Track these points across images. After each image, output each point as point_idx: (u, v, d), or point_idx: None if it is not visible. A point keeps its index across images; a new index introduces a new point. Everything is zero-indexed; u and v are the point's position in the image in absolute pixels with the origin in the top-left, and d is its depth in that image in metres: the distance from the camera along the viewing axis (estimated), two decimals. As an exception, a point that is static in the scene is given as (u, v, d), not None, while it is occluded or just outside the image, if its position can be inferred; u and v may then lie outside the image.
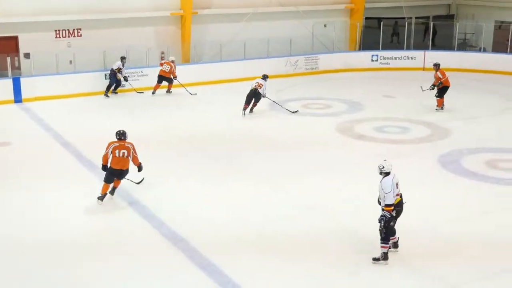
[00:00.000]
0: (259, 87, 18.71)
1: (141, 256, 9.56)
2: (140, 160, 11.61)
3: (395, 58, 26.22)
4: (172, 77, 21.37)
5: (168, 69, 21.25)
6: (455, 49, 27.19)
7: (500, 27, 27.85)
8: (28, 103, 19.95)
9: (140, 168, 11.68)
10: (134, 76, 22.04)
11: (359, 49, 27.49)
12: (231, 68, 23.88)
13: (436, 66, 18.89)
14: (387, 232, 9.16)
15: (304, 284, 8.82)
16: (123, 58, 21.00)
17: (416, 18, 28.49)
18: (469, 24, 28.91)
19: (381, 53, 26.39)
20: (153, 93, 21.50)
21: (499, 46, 27.13)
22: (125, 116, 18.35)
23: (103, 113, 19.00)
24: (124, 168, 11.46)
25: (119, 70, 20.82)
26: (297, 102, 20.21)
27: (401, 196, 9.34)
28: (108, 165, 11.41)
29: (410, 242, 9.92)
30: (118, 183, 11.70)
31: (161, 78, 21.40)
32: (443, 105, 18.89)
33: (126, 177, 11.65)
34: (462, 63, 25.51)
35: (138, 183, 12.10)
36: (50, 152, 15.08)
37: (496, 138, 16.07)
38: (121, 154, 11.30)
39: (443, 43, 27.80)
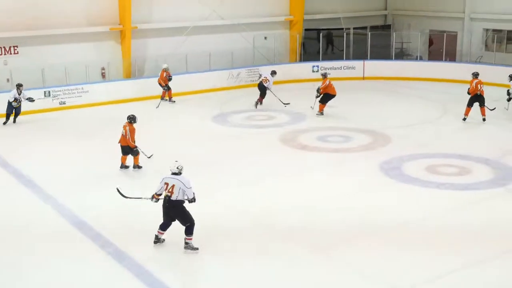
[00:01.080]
0: (264, 82, 21.07)
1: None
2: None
3: (335, 68, 26.65)
4: (161, 84, 21.84)
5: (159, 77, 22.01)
6: (393, 58, 27.88)
7: (433, 36, 28.73)
8: (-37, 122, 19.44)
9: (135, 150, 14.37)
10: (75, 93, 21.74)
11: (300, 61, 27.83)
12: (173, 82, 23.73)
13: (323, 75, 20.57)
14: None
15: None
16: (19, 86, 19.47)
17: (354, 28, 29.07)
18: (405, 34, 29.69)
19: (322, 63, 26.79)
20: (170, 100, 22.37)
21: (435, 55, 28.00)
22: (64, 136, 18.11)
23: (46, 131, 18.76)
24: (124, 145, 14.34)
25: (16, 100, 19.27)
26: (241, 115, 20.34)
27: (167, 201, 9.97)
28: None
29: (355, 246, 10.18)
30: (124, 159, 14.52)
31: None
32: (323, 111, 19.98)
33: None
34: (400, 72, 26.16)
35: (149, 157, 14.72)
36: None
37: (434, 144, 16.51)
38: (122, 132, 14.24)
39: (381, 52, 28.45)
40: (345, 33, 28.16)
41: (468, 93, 18.90)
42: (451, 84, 24.68)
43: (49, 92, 21.36)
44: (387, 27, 30.80)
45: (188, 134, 18.19)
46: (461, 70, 25.30)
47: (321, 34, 27.83)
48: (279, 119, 19.71)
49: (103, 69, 23.68)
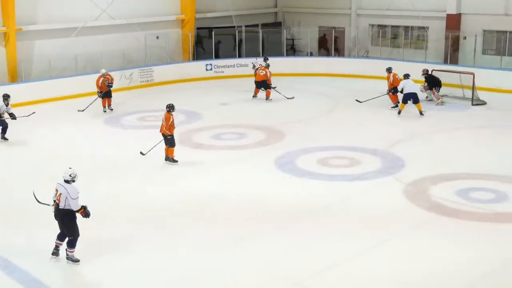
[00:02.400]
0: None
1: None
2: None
3: (228, 66, 26.80)
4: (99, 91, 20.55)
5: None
6: (285, 54, 28.38)
7: (324, 33, 29.49)
8: None
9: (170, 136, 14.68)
10: (-44, 99, 20.57)
11: (193, 59, 27.77)
12: (63, 85, 23.08)
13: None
14: None
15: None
16: (7, 97, 17.39)
17: (246, 26, 29.34)
18: (296, 31, 30.33)
19: (215, 62, 26.85)
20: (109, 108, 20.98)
21: (324, 50, 28.81)
22: None
23: None
24: (161, 132, 14.75)
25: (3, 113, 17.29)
26: (134, 116, 20.02)
27: (55, 208, 9.64)
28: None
29: (257, 239, 10.34)
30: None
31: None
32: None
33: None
34: (292, 68, 26.67)
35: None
36: None
37: (326, 137, 16.96)
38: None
39: (273, 49, 28.87)
40: (237, 31, 28.36)
41: (389, 90, 19.94)
42: (341, 79, 25.46)
43: None
44: (278, 24, 31.31)
45: (79, 137, 17.70)
46: (349, 65, 26.22)
47: (213, 33, 27.88)
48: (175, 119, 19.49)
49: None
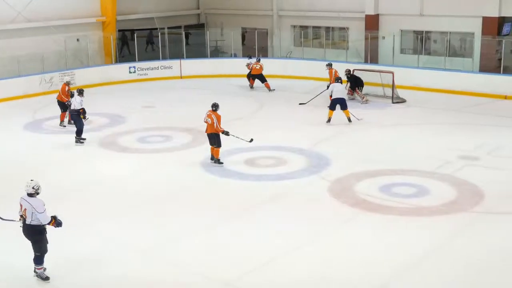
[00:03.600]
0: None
1: None
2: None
3: (152, 69, 26.55)
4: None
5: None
6: (209, 56, 28.36)
7: (245, 33, 29.66)
8: None
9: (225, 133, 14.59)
10: None
11: (116, 62, 27.33)
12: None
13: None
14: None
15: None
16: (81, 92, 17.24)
17: (169, 28, 29.15)
18: (219, 32, 30.37)
19: (138, 64, 26.55)
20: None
21: (248, 51, 28.93)
22: None
23: None
24: (208, 132, 14.47)
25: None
26: (56, 120, 19.45)
27: (23, 223, 8.99)
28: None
29: (180, 244, 10.24)
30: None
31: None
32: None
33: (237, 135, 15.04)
34: (216, 69, 26.69)
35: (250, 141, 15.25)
36: None
37: (252, 137, 16.99)
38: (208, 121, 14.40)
39: (197, 51, 28.82)
40: (159, 33, 28.13)
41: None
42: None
43: None
44: (201, 26, 31.26)
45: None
46: (273, 65, 26.44)
47: (135, 35, 27.55)
48: (97, 123, 19.18)
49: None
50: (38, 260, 9.11)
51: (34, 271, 9.21)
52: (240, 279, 9.18)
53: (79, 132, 16.86)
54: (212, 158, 14.75)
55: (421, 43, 24.91)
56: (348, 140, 16.76)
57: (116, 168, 14.92)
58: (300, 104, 20.91)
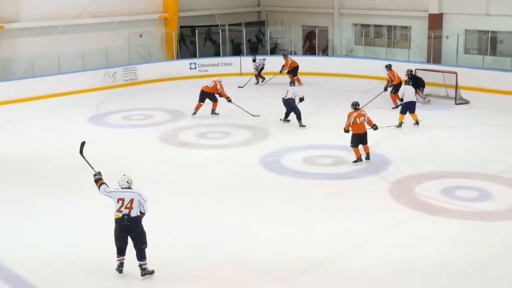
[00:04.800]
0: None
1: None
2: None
3: (212, 65, 26.74)
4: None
5: None
6: (268, 53, 28.39)
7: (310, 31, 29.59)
8: None
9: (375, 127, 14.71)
10: None
11: (177, 58, 27.67)
12: (45, 84, 22.91)
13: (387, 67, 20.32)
14: (115, 245, 9.05)
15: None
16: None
17: (229, 25, 29.32)
18: (279, 30, 30.36)
19: (199, 60, 26.79)
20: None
21: (308, 49, 28.89)
22: None
23: None
24: (364, 132, 14.13)
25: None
26: (118, 114, 19.91)
27: (127, 220, 8.83)
28: (350, 132, 14.24)
29: (241, 239, 10.31)
30: (367, 148, 14.31)
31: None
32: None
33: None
34: (276, 67, 26.62)
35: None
36: None
37: (311, 136, 16.99)
38: (359, 121, 14.04)
39: (256, 48, 28.88)
40: (220, 30, 28.33)
41: (388, 87, 19.91)
42: (325, 78, 25.49)
43: None
44: (261, 23, 31.32)
45: (65, 137, 17.57)
46: (333, 64, 26.29)
47: (197, 31, 27.83)
48: (158, 118, 19.50)
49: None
50: (144, 254, 9.00)
51: (142, 269, 9.04)
52: (298, 277, 9.17)
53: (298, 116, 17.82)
54: (367, 157, 14.47)
55: (486, 43, 24.27)
56: (409, 141, 16.49)
57: (176, 163, 15.09)
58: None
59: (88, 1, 25.42)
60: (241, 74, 26.60)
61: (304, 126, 17.68)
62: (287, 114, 18.10)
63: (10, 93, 21.92)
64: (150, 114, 19.94)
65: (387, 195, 12.52)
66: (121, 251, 9.08)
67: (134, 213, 8.85)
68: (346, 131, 14.49)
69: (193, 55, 27.61)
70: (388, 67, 20.31)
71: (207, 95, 19.29)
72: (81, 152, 9.78)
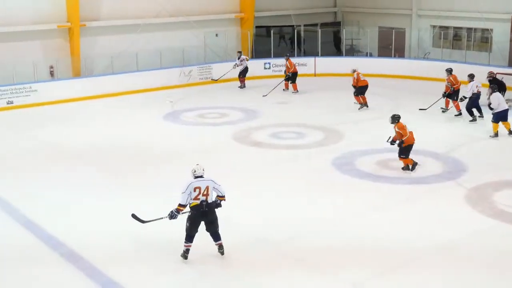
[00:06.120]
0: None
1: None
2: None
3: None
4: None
5: None
6: (344, 54, 28.17)
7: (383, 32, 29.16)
8: None
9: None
10: (23, 92, 21.28)
11: (252, 58, 27.82)
12: (124, 81, 23.54)
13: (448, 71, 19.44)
14: (186, 231, 9.55)
15: None
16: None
17: (305, 25, 29.25)
18: (355, 31, 30.05)
19: (273, 60, 26.84)
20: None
21: (384, 51, 28.44)
22: (17, 133, 17.97)
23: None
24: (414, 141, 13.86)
25: None
26: (193, 112, 20.24)
27: (205, 206, 9.36)
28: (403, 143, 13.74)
29: (312, 241, 10.27)
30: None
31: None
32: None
33: None
34: (351, 68, 26.39)
35: None
36: None
37: (385, 139, 16.68)
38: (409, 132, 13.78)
39: (331, 49, 28.71)
40: (295, 30, 28.30)
41: (446, 93, 19.28)
42: (401, 80, 25.09)
43: (-5, 91, 20.90)
44: (337, 24, 31.11)
45: (141, 132, 18.01)
46: (410, 66, 25.81)
47: (272, 31, 27.91)
48: (232, 117, 19.69)
49: (51, 67, 23.22)
50: (218, 235, 9.65)
51: (220, 247, 9.67)
52: (368, 281, 9.06)
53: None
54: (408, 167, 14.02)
55: None
56: (487, 148, 16.01)
57: (249, 162, 15.17)
58: (420, 109, 20.11)
59: (167, 0, 25.92)
60: (315, 75, 26.50)
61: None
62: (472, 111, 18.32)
63: (91, 89, 22.65)
64: (224, 113, 20.14)
65: (463, 202, 12.18)
66: (190, 238, 9.56)
67: (210, 199, 9.45)
68: (402, 143, 13.84)
69: (268, 55, 27.67)
70: (449, 71, 19.41)
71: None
72: (141, 220, 10.16)
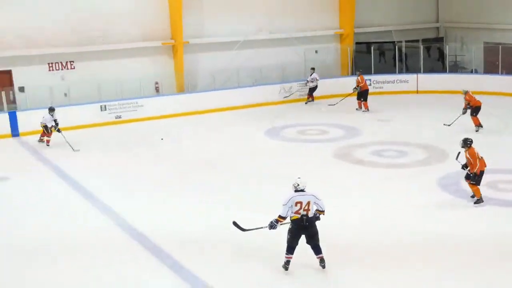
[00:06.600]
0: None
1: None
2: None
3: (388, 82, 26.37)
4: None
5: None
6: (447, 71, 27.43)
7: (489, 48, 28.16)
8: (25, 136, 19.98)
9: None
10: (130, 107, 22.12)
11: (351, 74, 27.62)
12: (225, 96, 23.97)
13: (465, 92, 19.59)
14: (287, 242, 9.64)
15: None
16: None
17: (406, 41, 28.75)
18: (458, 46, 29.21)
19: (374, 77, 26.52)
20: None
21: (490, 67, 27.41)
22: (119, 149, 18.54)
23: (102, 144, 19.20)
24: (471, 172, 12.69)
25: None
26: (293, 129, 20.29)
27: (306, 220, 9.46)
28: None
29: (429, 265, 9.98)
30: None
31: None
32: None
33: None
34: (455, 85, 25.64)
35: None
36: (49, 185, 15.06)
37: (494, 159, 16.04)
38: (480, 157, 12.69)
39: (434, 65, 28.03)
40: (396, 46, 27.87)
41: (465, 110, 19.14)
42: (509, 98, 24.11)
43: (105, 106, 21.82)
44: (439, 40, 30.35)
45: (241, 147, 18.25)
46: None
47: (372, 48, 27.62)
48: (332, 134, 19.59)
49: (156, 83, 24.01)
50: (319, 249, 9.67)
51: (321, 260, 9.68)
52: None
53: None
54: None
55: None
56: None
57: (350, 180, 14.98)
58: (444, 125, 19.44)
59: (267, 18, 26.23)
60: (417, 92, 25.95)
61: None
62: None
63: (194, 104, 23.22)
64: (324, 130, 20.08)
65: None
66: (291, 249, 9.64)
67: (311, 214, 9.54)
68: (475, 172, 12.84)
69: (368, 71, 27.36)
70: (465, 92, 19.47)
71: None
72: (242, 229, 10.33)
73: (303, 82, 25.59)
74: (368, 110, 22.73)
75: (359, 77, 23.10)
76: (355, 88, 23.15)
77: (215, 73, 24.58)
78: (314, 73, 24.96)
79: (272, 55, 26.39)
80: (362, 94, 23.02)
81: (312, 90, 25.04)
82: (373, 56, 27.49)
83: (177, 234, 11.53)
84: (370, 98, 23.20)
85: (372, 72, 27.10)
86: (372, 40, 28.51)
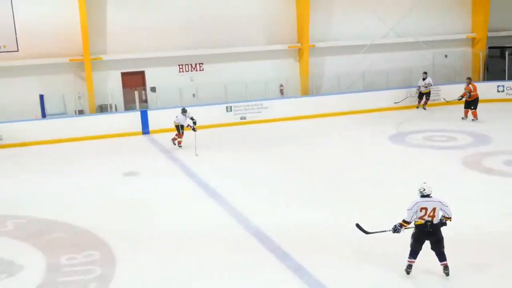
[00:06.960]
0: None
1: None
2: None
3: (522, 89, 25.08)
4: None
5: None
6: None
7: None
8: (154, 134, 20.83)
9: None
10: (255, 108, 22.49)
11: (483, 80, 26.48)
12: (350, 100, 23.78)
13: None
14: (411, 246, 9.44)
15: None
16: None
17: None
18: None
19: (508, 83, 25.27)
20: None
21: None
22: (246, 149, 18.83)
23: (227, 144, 19.61)
24: None
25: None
26: (420, 134, 19.75)
27: (430, 226, 9.21)
28: None
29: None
30: None
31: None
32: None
33: None
34: None
35: None
36: (178, 182, 15.58)
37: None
38: None
39: None
40: (533, 51, 26.40)
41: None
42: None
43: (230, 107, 22.34)
44: None
45: (365, 152, 18.01)
46: None
47: (506, 52, 26.31)
48: (461, 141, 18.84)
49: (281, 86, 24.25)
50: (443, 255, 9.39)
51: (445, 267, 9.39)
52: None
53: None
54: None
55: None
56: None
57: (482, 189, 14.31)
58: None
59: (395, 21, 25.73)
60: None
61: None
62: None
63: (318, 107, 23.23)
64: (452, 136, 19.37)
65: None
66: (415, 254, 9.43)
67: (436, 220, 9.26)
68: None
69: (501, 77, 26.10)
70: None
71: None
72: (365, 231, 10.21)
73: (434, 87, 24.82)
74: (477, 119, 21.66)
75: (470, 85, 22.02)
76: (461, 96, 22.27)
77: (340, 76, 24.45)
78: (428, 78, 24.21)
79: (398, 59, 25.92)
80: (472, 103, 21.91)
81: (426, 95, 24.27)
82: (507, 61, 26.16)
83: (300, 237, 11.47)
84: (502, 105, 22.14)
85: (506, 78, 25.81)
86: (507, 44, 27.17)
